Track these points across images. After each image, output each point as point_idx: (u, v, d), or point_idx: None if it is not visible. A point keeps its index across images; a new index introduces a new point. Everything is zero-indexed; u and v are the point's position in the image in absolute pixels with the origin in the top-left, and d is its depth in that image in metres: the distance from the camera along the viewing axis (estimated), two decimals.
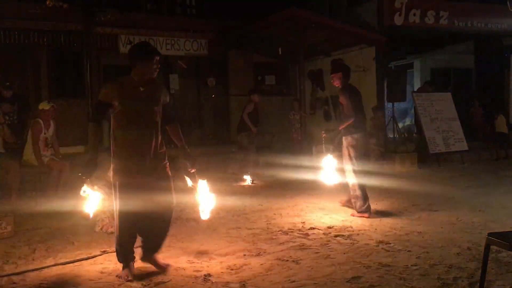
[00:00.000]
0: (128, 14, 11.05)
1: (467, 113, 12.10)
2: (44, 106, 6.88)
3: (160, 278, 3.59)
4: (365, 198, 5.54)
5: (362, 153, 5.78)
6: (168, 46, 11.65)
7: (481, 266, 3.02)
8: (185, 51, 11.90)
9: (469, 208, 5.70)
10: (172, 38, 11.70)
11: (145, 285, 3.46)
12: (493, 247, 3.08)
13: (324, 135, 6.23)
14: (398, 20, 11.63)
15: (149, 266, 3.79)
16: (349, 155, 5.63)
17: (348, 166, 5.65)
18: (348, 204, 5.87)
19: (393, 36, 11.49)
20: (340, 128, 5.78)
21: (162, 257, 3.90)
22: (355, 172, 5.61)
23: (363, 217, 5.42)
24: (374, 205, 5.97)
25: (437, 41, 13.61)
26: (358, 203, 5.54)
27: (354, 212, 5.57)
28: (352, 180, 5.63)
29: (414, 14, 11.74)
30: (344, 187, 5.97)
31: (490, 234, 2.95)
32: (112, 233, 4.86)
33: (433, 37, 13.08)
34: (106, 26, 11.05)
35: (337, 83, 5.80)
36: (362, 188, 5.60)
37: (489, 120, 12.16)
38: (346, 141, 5.68)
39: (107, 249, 4.35)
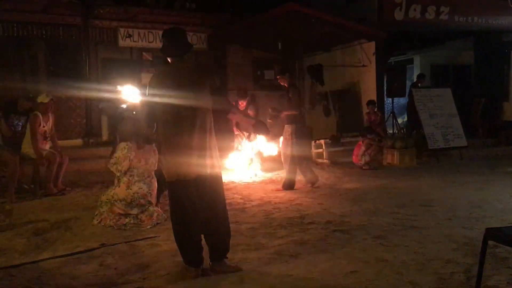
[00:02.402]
0: (127, 8, 11.02)
1: (469, 109, 12.09)
2: (43, 99, 6.86)
3: (158, 271, 3.60)
4: (292, 180, 6.87)
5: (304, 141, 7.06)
6: None
7: (478, 261, 3.03)
8: None
9: (467, 204, 5.71)
10: None
11: (144, 278, 3.47)
12: (491, 243, 3.08)
13: (271, 112, 7.04)
14: (399, 15, 11.61)
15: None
16: (290, 141, 6.74)
17: (288, 151, 6.79)
18: (307, 184, 7.05)
19: (393, 32, 11.47)
20: (283, 114, 6.81)
21: (158, 251, 3.90)
22: (292, 157, 6.76)
23: (279, 190, 6.78)
24: (373, 201, 5.99)
25: (437, 36, 13.59)
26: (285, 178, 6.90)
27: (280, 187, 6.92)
28: (288, 163, 6.83)
29: (415, 10, 11.72)
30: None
31: (488, 229, 2.96)
32: (110, 226, 4.88)
33: (433, 32, 13.06)
34: (104, 19, 11.03)
35: (284, 83, 6.89)
36: (294, 171, 6.89)
37: (488, 116, 12.19)
38: (289, 129, 6.76)
39: (105, 242, 4.35)
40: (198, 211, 3.48)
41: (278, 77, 7.10)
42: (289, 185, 6.91)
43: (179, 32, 3.68)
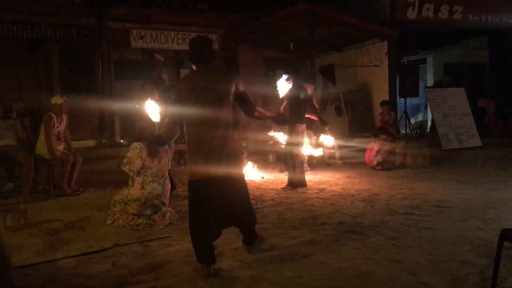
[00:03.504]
0: (139, 9, 11.09)
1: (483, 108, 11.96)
2: (57, 100, 6.93)
3: (171, 271, 3.61)
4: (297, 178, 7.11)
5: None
6: (179, 41, 11.67)
7: (493, 263, 2.99)
8: None
9: (482, 205, 5.64)
10: (183, 33, 11.73)
11: (157, 278, 3.48)
12: (506, 244, 3.04)
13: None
14: (411, 14, 11.53)
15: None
16: (289, 141, 7.10)
17: (286, 150, 7.25)
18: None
19: (406, 31, 11.39)
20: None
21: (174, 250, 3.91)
22: (288, 154, 7.19)
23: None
24: (385, 202, 5.95)
25: (451, 36, 13.46)
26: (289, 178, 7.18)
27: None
28: (286, 159, 7.31)
29: (428, 9, 11.63)
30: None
31: (503, 230, 2.92)
32: (123, 226, 4.91)
33: (446, 32, 12.95)
34: (117, 20, 11.11)
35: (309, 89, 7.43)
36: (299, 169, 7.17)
37: (502, 115, 12.03)
38: (288, 129, 7.04)
39: (119, 242, 4.38)
40: (219, 210, 3.60)
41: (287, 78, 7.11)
42: (299, 183, 7.12)
43: (205, 40, 3.81)
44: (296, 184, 7.12)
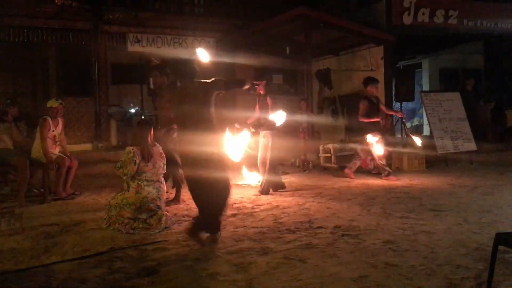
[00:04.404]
0: (136, 13, 11.11)
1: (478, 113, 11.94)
2: (53, 103, 6.91)
3: (167, 275, 3.60)
4: (268, 184, 7.01)
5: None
6: (176, 45, 11.70)
7: (488, 267, 3.00)
8: (193, 49, 11.91)
9: (477, 209, 5.66)
10: (179, 37, 11.76)
11: (153, 282, 3.48)
12: (501, 248, 3.05)
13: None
14: (407, 19, 11.59)
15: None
16: (268, 145, 6.95)
17: (263, 155, 7.03)
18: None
19: (402, 36, 11.44)
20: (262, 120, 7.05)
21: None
22: (271, 159, 6.96)
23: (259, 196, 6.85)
24: (381, 206, 5.96)
25: (446, 40, 13.54)
26: (263, 183, 7.03)
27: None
28: (263, 165, 7.00)
29: (423, 13, 11.69)
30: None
31: (498, 234, 2.93)
32: (119, 230, 4.90)
33: (442, 36, 13.01)
34: (114, 24, 11.13)
35: (260, 89, 7.03)
36: (274, 173, 7.08)
37: (498, 119, 12.09)
38: (267, 134, 6.97)
39: (114, 246, 4.37)
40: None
41: (255, 82, 6.93)
42: (275, 186, 7.08)
43: (189, 61, 4.63)
44: (276, 187, 7.10)
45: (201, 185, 4.36)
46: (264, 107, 7.05)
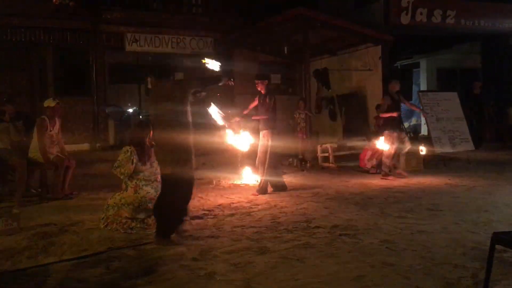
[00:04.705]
0: (134, 13, 11.10)
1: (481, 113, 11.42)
2: (50, 103, 6.89)
3: (164, 275, 3.61)
4: (266, 184, 7.00)
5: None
6: (174, 44, 11.69)
7: (485, 266, 3.01)
8: (191, 49, 11.92)
9: (474, 208, 5.67)
10: (178, 37, 11.74)
11: (151, 282, 3.48)
12: (498, 247, 3.06)
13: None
14: (405, 19, 11.60)
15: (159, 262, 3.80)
16: (267, 145, 6.93)
17: (262, 154, 6.97)
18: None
19: (400, 35, 11.45)
20: (257, 118, 7.09)
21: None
22: (271, 158, 6.94)
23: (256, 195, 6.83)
24: (379, 205, 5.97)
25: (444, 40, 13.56)
26: (261, 183, 6.99)
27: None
28: (266, 165, 6.93)
29: (421, 13, 11.71)
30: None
31: (495, 233, 2.94)
32: (117, 230, 4.90)
33: (439, 36, 13.03)
34: (112, 24, 11.11)
35: (261, 89, 7.09)
36: (272, 173, 7.02)
37: (500, 117, 12.07)
38: (266, 134, 6.96)
39: (112, 246, 4.36)
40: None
41: (257, 81, 7.17)
42: (264, 189, 6.97)
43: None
44: (277, 187, 7.13)
45: (169, 186, 4.40)
46: (264, 106, 7.06)
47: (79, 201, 6.74)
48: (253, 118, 7.20)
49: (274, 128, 7.06)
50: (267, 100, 7.06)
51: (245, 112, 7.28)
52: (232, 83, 5.57)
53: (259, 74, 7.34)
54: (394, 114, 8.24)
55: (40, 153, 6.66)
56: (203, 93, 4.85)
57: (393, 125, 8.25)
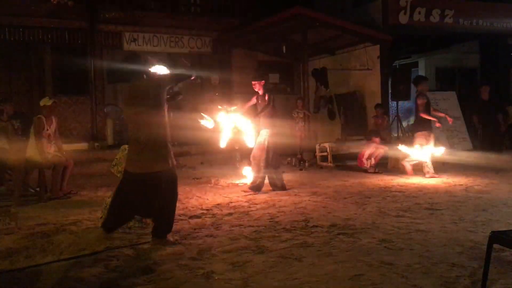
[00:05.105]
0: (132, 12, 11.09)
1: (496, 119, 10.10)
2: (46, 102, 6.88)
3: (162, 274, 3.61)
4: (262, 180, 6.99)
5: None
6: (172, 44, 11.69)
7: (483, 265, 3.02)
8: (189, 48, 11.93)
9: (472, 207, 5.68)
10: (176, 36, 11.74)
11: (149, 281, 3.48)
12: (496, 246, 3.07)
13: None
14: (403, 18, 11.61)
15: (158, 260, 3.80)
16: (265, 144, 6.90)
17: (258, 152, 6.93)
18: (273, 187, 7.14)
19: (398, 35, 11.46)
20: (259, 117, 7.04)
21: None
22: (273, 157, 6.94)
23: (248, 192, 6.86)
24: (377, 205, 5.98)
25: (442, 40, 13.57)
26: (256, 180, 6.97)
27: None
28: (265, 163, 6.90)
29: (419, 13, 11.72)
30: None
31: (493, 233, 2.95)
32: None
33: (438, 36, 13.04)
34: (110, 23, 11.10)
35: (259, 89, 7.04)
36: (265, 173, 6.98)
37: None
38: (264, 133, 6.94)
39: (110, 245, 4.36)
40: (139, 200, 4.30)
41: (254, 82, 7.09)
42: (257, 187, 6.98)
43: (137, 58, 4.69)
44: (276, 186, 7.13)
45: (151, 185, 4.27)
46: (263, 106, 7.05)
47: (77, 200, 6.73)
48: (253, 118, 7.17)
49: (274, 127, 7.04)
50: (266, 98, 7.05)
51: (242, 110, 7.23)
52: (198, 80, 5.47)
53: (256, 75, 7.31)
54: (441, 114, 8.39)
55: (38, 152, 6.66)
56: (181, 96, 4.94)
57: (425, 126, 8.31)
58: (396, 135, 11.77)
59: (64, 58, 11.20)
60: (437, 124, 8.33)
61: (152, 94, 4.30)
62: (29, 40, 10.41)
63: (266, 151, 6.96)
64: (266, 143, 6.96)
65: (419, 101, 8.32)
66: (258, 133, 7.13)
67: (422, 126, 8.28)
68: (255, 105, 7.25)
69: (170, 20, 11.58)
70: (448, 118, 8.71)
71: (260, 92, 7.11)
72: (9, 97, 7.82)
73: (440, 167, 8.66)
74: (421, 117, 8.26)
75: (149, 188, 4.26)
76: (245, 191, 6.96)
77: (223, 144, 7.12)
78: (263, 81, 7.11)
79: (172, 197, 4.45)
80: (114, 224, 4.49)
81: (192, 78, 4.80)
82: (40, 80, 11.04)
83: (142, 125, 4.26)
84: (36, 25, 10.35)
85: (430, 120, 8.28)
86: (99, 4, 10.85)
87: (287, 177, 8.47)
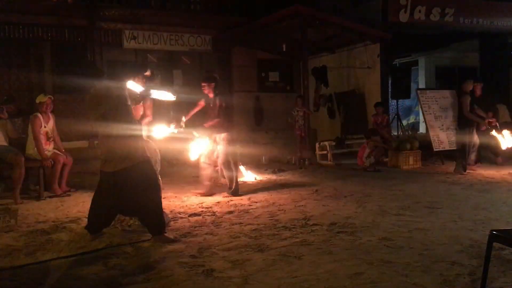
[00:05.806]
0: (132, 9, 11.07)
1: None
2: (41, 98, 6.88)
3: (162, 272, 3.61)
4: (235, 181, 6.74)
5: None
6: (172, 42, 11.67)
7: (483, 263, 3.02)
8: (189, 46, 11.91)
9: (472, 206, 5.69)
10: (176, 34, 11.72)
11: (149, 279, 3.48)
12: (496, 245, 3.07)
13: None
14: (403, 17, 11.60)
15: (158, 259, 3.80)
16: (226, 148, 6.62)
17: (224, 157, 6.65)
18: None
19: (398, 33, 11.45)
20: (210, 124, 6.61)
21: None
22: (228, 161, 6.66)
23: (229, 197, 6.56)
24: (377, 203, 5.98)
25: (442, 38, 13.55)
26: (232, 185, 6.68)
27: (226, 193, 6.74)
28: (226, 167, 6.67)
29: (420, 11, 11.70)
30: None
31: (492, 231, 2.95)
32: (115, 227, 4.89)
33: (438, 34, 13.03)
34: (110, 21, 11.07)
35: (208, 92, 6.65)
36: (235, 175, 6.77)
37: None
38: (224, 137, 6.61)
39: (110, 243, 4.36)
40: (116, 198, 4.33)
41: (203, 84, 6.69)
42: (236, 191, 6.71)
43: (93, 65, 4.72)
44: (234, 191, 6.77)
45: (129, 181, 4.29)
46: (215, 110, 6.62)
47: (77, 198, 6.73)
48: (205, 126, 6.65)
49: (231, 130, 6.74)
50: (217, 102, 6.60)
51: (187, 118, 6.55)
52: (149, 74, 5.34)
53: (206, 77, 6.89)
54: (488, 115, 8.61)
55: (37, 150, 6.66)
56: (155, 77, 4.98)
57: (469, 124, 8.46)
58: (396, 133, 11.77)
59: (64, 55, 11.17)
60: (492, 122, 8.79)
61: (115, 94, 4.33)
62: (28, 38, 10.38)
63: (225, 154, 6.65)
64: (224, 147, 6.63)
65: (463, 101, 8.51)
66: (213, 140, 6.70)
67: (467, 124, 8.50)
68: (205, 111, 6.80)
69: (170, 18, 11.56)
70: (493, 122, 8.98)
71: (210, 95, 6.67)
72: (12, 97, 7.80)
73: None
74: (463, 115, 8.52)
75: (122, 186, 4.28)
76: (225, 196, 6.64)
77: (193, 156, 6.82)
78: (212, 84, 6.65)
79: (151, 190, 4.38)
80: (97, 225, 4.55)
81: (148, 73, 4.87)
82: (40, 77, 11.01)
83: (109, 125, 4.29)
84: (36, 23, 10.32)
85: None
86: (99, 2, 10.82)
87: (287, 175, 8.50)
